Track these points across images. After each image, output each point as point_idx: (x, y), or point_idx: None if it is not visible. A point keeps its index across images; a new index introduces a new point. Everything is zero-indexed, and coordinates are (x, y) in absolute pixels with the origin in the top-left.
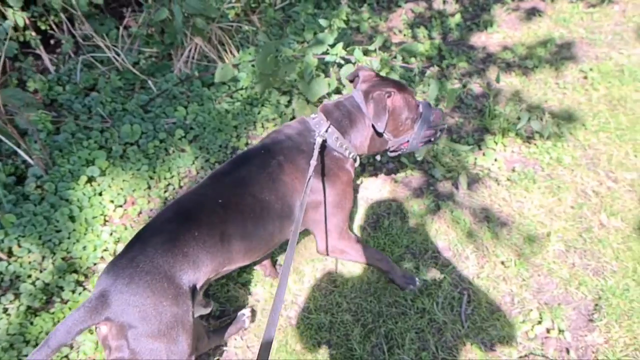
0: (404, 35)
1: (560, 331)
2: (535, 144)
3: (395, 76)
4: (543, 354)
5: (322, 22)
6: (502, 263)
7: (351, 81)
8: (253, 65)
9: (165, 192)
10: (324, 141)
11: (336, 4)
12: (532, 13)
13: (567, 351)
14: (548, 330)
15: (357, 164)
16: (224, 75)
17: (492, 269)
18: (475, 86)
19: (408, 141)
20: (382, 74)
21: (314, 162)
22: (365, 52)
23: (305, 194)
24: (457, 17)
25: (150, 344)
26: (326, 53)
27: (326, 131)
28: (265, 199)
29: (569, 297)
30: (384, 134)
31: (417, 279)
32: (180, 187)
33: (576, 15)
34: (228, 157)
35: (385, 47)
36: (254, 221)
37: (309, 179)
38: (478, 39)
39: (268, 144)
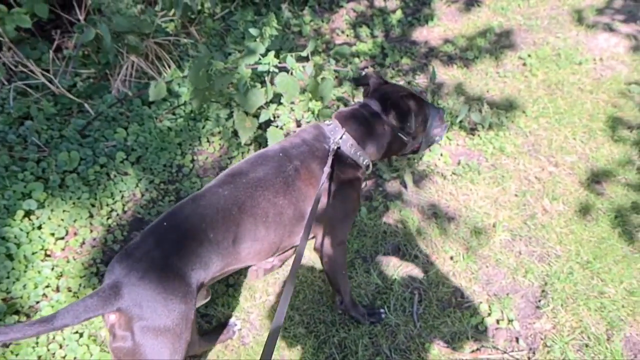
0: (347, 35)
1: (510, 321)
2: (478, 135)
3: (330, 81)
4: (494, 346)
5: (253, 31)
6: (451, 258)
7: (365, 86)
8: None
9: (108, 219)
10: (338, 148)
11: (277, 9)
12: (471, 3)
13: (517, 340)
14: (498, 322)
15: (369, 171)
16: (158, 93)
17: (441, 265)
18: (419, 82)
19: (421, 142)
20: (318, 79)
21: (327, 169)
22: (300, 58)
23: (316, 202)
24: (399, 13)
25: (155, 338)
26: (259, 63)
27: (341, 138)
28: (279, 203)
29: (517, 285)
30: (404, 137)
31: (382, 311)
32: (124, 212)
33: (513, 3)
34: (173, 176)
35: (328, 49)
36: (266, 225)
37: (321, 186)
38: (420, 34)
39: (286, 147)
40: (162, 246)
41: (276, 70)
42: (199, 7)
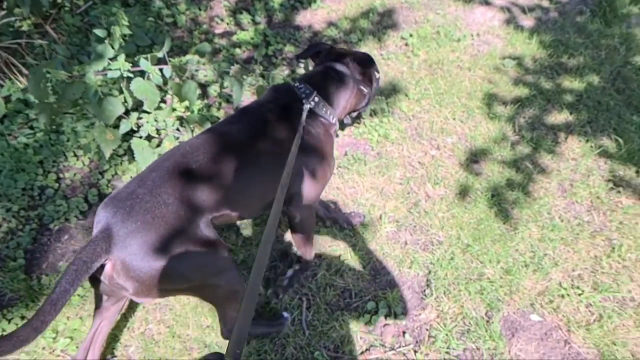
0: (227, 24)
1: (397, 315)
2: (363, 124)
3: (193, 83)
4: (382, 344)
5: (98, 32)
6: (339, 256)
7: (316, 54)
8: None
9: None
10: (311, 108)
11: (148, 0)
12: None
13: (404, 334)
14: (386, 317)
15: (337, 128)
16: None
17: (329, 266)
18: (303, 71)
19: (371, 93)
20: (184, 80)
21: (303, 120)
22: (157, 60)
23: (292, 156)
24: None
25: (162, 262)
26: (108, 68)
27: (313, 100)
28: (259, 149)
29: (403, 277)
30: (364, 88)
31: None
32: None
33: None
34: (35, 200)
35: (208, 40)
36: (249, 170)
37: (298, 139)
38: (303, 18)
39: (263, 102)
40: (147, 184)
41: (130, 75)
42: (58, 1)
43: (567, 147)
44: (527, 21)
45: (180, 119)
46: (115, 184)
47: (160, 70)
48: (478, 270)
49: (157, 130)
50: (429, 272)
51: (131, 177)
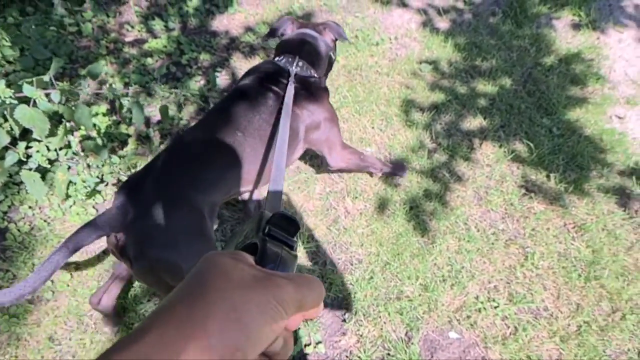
0: (138, 31)
1: (317, 344)
2: None
3: (85, 107)
4: None
5: None
6: None
7: (273, 35)
8: None
9: None
10: (296, 74)
11: (48, 6)
12: None
13: None
14: (306, 346)
15: (325, 82)
16: None
17: None
18: (222, 80)
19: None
20: (69, 105)
21: (291, 81)
22: (44, 84)
23: (287, 107)
24: (195, 1)
25: (166, 252)
26: None
27: (297, 65)
28: (263, 123)
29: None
30: (332, 55)
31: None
32: None
33: None
34: None
35: (117, 49)
36: (257, 147)
37: (289, 95)
38: (220, 23)
39: (259, 77)
40: (159, 169)
41: (14, 102)
42: None
43: (482, 153)
44: (443, 23)
45: (84, 139)
46: (12, 216)
47: (47, 95)
48: (397, 289)
49: (49, 160)
50: (349, 293)
51: (30, 207)
